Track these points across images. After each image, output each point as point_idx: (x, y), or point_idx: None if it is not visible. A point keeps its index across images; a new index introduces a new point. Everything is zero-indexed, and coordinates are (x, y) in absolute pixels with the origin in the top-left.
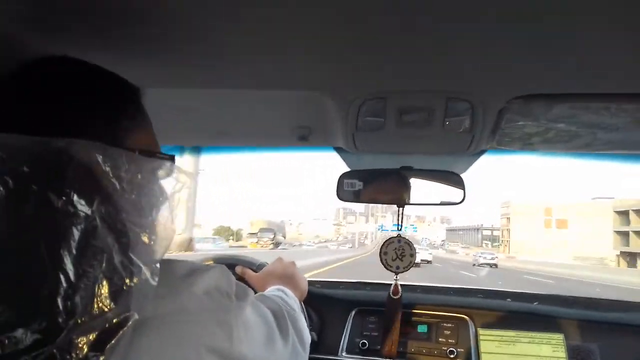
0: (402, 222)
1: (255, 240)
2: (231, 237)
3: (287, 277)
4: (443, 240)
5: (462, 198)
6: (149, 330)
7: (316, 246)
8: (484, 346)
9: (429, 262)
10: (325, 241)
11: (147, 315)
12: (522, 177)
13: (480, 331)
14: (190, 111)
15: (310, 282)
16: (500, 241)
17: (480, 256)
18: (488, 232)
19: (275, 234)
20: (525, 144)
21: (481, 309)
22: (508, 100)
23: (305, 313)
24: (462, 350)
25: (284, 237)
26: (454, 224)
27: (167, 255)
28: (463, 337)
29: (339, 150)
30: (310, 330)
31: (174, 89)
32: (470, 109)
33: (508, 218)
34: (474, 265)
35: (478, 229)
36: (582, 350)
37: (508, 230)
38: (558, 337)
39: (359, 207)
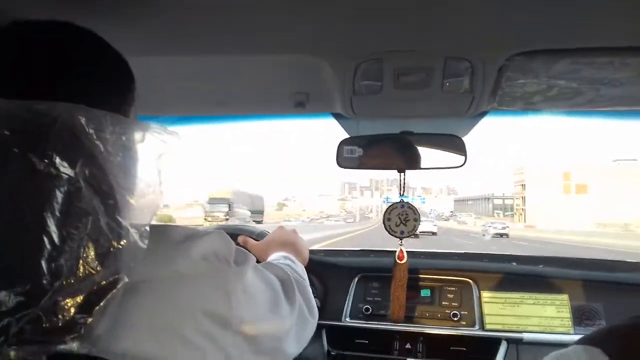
0: (404, 187)
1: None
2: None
3: (289, 244)
4: (451, 212)
5: (463, 161)
6: (141, 293)
7: (300, 221)
8: (487, 308)
9: (433, 233)
10: (327, 216)
11: (138, 279)
12: (536, 143)
13: (484, 294)
14: (185, 80)
15: (312, 251)
16: (515, 210)
17: (490, 226)
18: (499, 201)
19: (230, 205)
20: (527, 103)
21: (485, 272)
22: (508, 57)
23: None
24: (466, 312)
25: (259, 213)
26: (462, 195)
27: None
28: (466, 300)
29: (337, 116)
30: (314, 297)
31: (167, 56)
32: (469, 68)
33: (523, 185)
34: (483, 235)
35: (489, 198)
36: (587, 310)
37: (523, 197)
38: (562, 298)
39: (364, 181)
